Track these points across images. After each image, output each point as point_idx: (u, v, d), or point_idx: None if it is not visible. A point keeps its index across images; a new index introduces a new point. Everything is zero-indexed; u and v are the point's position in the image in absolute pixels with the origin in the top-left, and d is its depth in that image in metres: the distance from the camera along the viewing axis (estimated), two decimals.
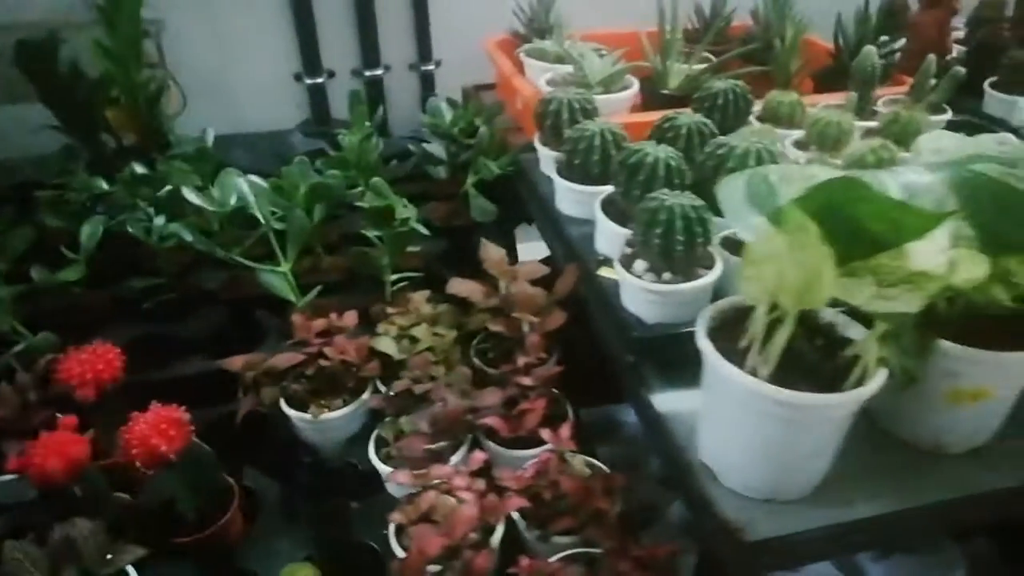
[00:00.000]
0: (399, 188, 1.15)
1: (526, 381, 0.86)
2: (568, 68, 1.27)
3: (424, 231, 1.13)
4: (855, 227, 0.52)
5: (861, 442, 0.71)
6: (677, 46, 1.31)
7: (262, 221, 1.07)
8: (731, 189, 0.67)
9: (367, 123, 1.23)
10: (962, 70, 1.22)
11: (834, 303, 0.59)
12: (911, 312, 0.54)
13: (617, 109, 1.22)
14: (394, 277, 1.12)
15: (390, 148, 1.40)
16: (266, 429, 1.01)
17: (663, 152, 0.88)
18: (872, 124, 1.15)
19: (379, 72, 1.67)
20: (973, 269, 0.53)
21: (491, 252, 0.96)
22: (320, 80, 1.65)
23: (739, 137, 0.92)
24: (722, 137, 0.93)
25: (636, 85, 1.25)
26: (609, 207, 0.92)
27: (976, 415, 0.71)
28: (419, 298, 1.00)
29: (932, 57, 1.24)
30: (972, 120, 1.34)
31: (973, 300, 0.58)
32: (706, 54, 1.49)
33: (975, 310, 0.61)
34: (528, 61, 1.34)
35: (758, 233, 0.60)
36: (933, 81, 1.22)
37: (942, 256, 0.50)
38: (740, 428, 0.64)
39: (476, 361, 1.00)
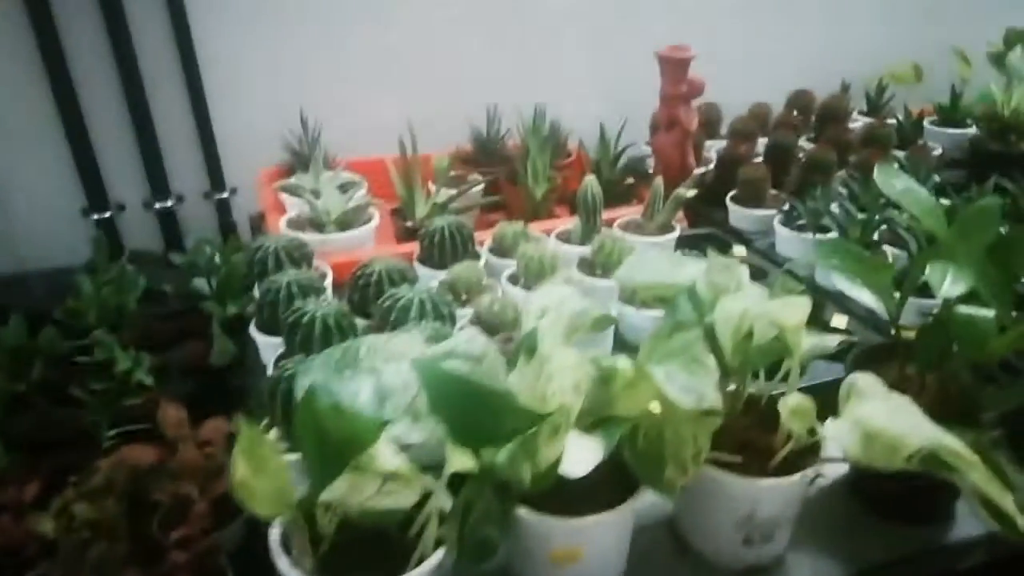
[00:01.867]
0: (160, 327, 1.14)
1: (179, 557, 0.83)
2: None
3: (148, 381, 1.12)
4: (325, 437, 0.52)
5: None
6: (423, 174, 1.35)
7: None
8: (319, 365, 0.68)
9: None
10: (685, 193, 1.29)
11: None
12: (405, 508, 0.54)
13: (358, 245, 1.25)
14: (112, 432, 1.09)
15: (175, 279, 1.39)
16: None
17: (324, 310, 0.89)
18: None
19: (169, 203, 1.67)
20: (460, 463, 0.54)
21: (169, 412, 0.95)
22: (107, 214, 1.64)
23: (410, 288, 0.94)
24: (395, 288, 0.95)
25: (376, 220, 1.28)
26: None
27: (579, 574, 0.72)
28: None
29: (659, 180, 1.30)
30: (716, 233, 1.40)
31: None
32: (477, 175, 1.55)
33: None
34: (284, 197, 1.36)
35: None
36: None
37: (396, 459, 0.51)
38: None
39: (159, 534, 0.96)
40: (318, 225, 1.24)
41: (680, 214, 1.47)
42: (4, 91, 1.48)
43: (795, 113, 1.75)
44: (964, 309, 0.68)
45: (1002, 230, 0.76)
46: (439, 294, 0.94)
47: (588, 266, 1.16)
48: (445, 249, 1.14)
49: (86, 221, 1.64)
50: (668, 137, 1.44)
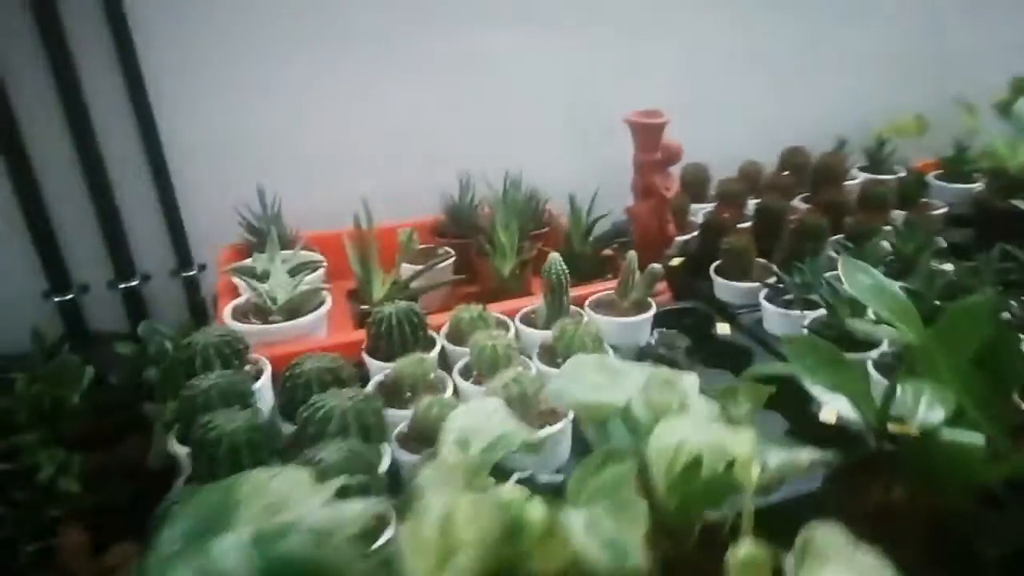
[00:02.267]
0: (104, 423, 1.06)
1: None
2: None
3: (74, 488, 1.03)
4: None
5: None
6: (378, 252, 1.27)
7: None
8: (187, 517, 0.58)
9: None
10: (658, 267, 1.19)
11: None
12: None
13: (306, 334, 1.16)
14: (31, 549, 1.00)
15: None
16: None
17: (233, 425, 0.80)
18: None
19: (135, 283, 1.60)
20: None
21: (70, 539, 0.86)
22: (69, 296, 1.58)
23: (337, 393, 0.84)
24: (320, 395, 0.85)
25: (327, 305, 1.19)
26: None
27: None
28: None
29: (632, 254, 1.21)
30: (699, 308, 1.30)
31: None
32: (448, 248, 1.47)
33: None
34: (236, 280, 1.29)
35: None
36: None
37: None
38: None
39: None
40: (263, 313, 1.16)
41: (664, 285, 1.37)
42: None
43: (787, 173, 1.66)
44: (949, 433, 0.57)
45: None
46: (369, 400, 0.85)
47: (549, 354, 1.07)
48: (394, 338, 1.05)
49: (49, 304, 1.58)
50: (645, 205, 1.35)
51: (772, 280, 1.24)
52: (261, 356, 1.06)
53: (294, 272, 1.27)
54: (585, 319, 1.15)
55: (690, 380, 0.67)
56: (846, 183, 1.70)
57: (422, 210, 1.59)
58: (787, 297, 1.18)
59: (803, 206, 1.56)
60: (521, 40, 1.65)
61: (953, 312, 0.62)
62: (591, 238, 1.39)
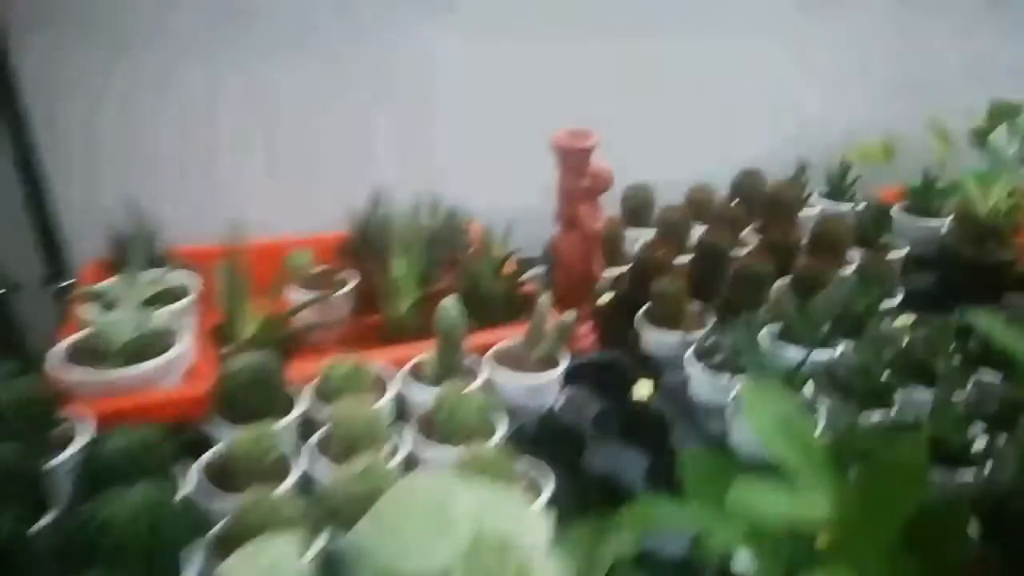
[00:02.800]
0: None
1: None
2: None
3: None
4: None
5: None
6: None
7: None
8: None
9: None
10: (572, 317, 1.03)
11: None
12: None
13: (152, 383, 0.98)
14: None
15: None
16: None
17: None
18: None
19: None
20: None
21: None
22: None
23: (130, 492, 0.67)
24: (115, 491, 0.68)
25: (177, 348, 1.01)
26: None
27: None
28: None
29: (544, 299, 1.05)
30: (620, 361, 1.14)
31: None
32: (345, 275, 1.29)
33: None
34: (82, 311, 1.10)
35: None
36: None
37: None
38: None
39: None
40: (99, 356, 0.97)
41: (587, 328, 1.21)
42: None
43: (737, 201, 1.49)
44: None
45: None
46: (166, 503, 0.68)
47: (427, 427, 0.90)
48: (238, 400, 0.88)
49: None
50: (568, 238, 1.18)
51: (701, 334, 1.08)
52: (86, 414, 0.88)
53: (153, 300, 1.10)
54: (478, 379, 0.99)
55: (536, 534, 0.51)
56: (806, 210, 1.55)
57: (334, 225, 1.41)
58: (717, 358, 1.03)
59: (754, 240, 1.41)
60: (466, 42, 1.47)
61: (877, 471, 0.46)
62: (519, 273, 1.22)
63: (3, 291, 1.28)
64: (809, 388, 0.95)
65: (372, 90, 1.46)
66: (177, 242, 1.31)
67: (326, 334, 1.20)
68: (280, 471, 0.81)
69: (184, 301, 1.12)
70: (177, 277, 1.19)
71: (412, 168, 1.44)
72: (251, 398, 0.89)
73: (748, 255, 1.23)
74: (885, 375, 0.96)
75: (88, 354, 0.98)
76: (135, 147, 1.38)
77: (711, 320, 1.16)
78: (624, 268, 1.31)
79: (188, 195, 1.42)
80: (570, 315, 1.03)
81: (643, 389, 1.07)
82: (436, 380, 0.99)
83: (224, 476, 0.81)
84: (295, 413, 0.91)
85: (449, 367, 0.99)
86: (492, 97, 1.51)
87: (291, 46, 1.39)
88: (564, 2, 1.53)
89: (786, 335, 1.08)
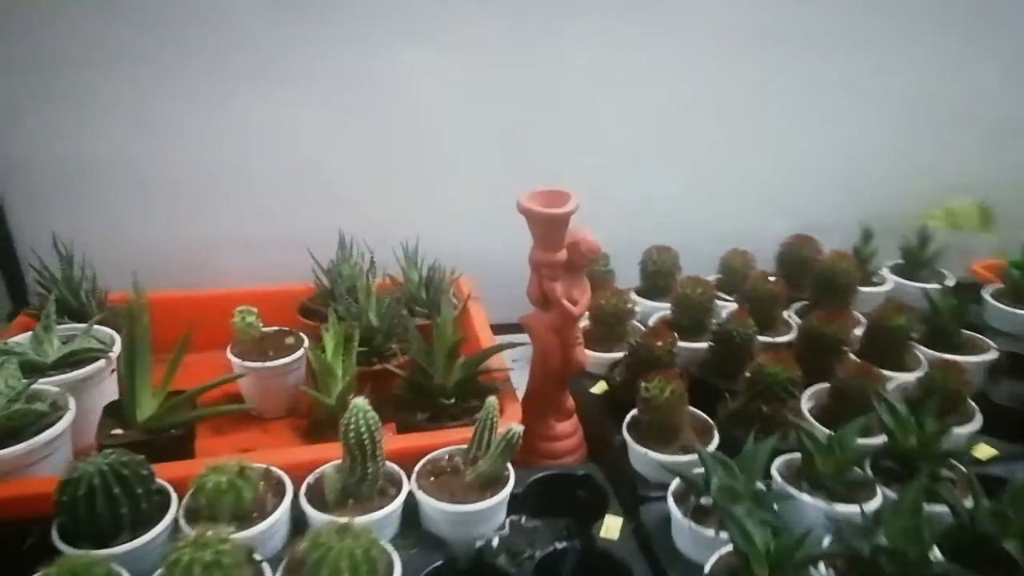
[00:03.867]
0: None
1: None
2: None
3: None
4: None
5: None
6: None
7: None
8: None
9: None
10: (518, 429, 0.81)
11: None
12: None
13: (24, 468, 0.83)
14: None
15: None
16: None
17: None
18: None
19: None
20: None
21: None
22: None
23: None
24: None
25: (58, 427, 0.85)
26: None
27: None
28: None
29: (492, 400, 0.84)
30: (593, 478, 0.91)
31: None
32: (300, 336, 1.12)
33: None
34: None
35: None
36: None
37: None
38: None
39: None
40: None
41: (566, 427, 0.99)
42: None
43: (773, 278, 1.23)
44: None
45: None
46: None
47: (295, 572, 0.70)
48: (78, 514, 0.71)
49: None
50: (541, 319, 0.96)
51: (690, 462, 0.83)
52: None
53: (61, 363, 0.95)
54: (388, 504, 0.78)
55: None
56: (870, 289, 1.27)
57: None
58: (704, 500, 0.78)
59: (791, 327, 1.14)
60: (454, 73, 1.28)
61: None
62: (484, 355, 1.01)
63: None
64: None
65: (359, 122, 1.29)
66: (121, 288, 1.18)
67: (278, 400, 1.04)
68: None
69: (99, 364, 0.97)
70: (100, 333, 1.05)
71: (388, 212, 1.27)
72: (93, 513, 0.71)
73: (772, 351, 0.97)
74: (934, 564, 0.69)
75: None
76: (94, 181, 1.27)
77: (714, 438, 0.91)
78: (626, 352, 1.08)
79: (148, 237, 1.29)
80: (515, 427, 0.81)
81: (611, 525, 0.84)
82: (336, 501, 0.79)
83: None
84: (143, 538, 0.73)
85: (357, 485, 0.79)
86: (496, 135, 1.32)
87: (283, 76, 1.24)
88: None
89: (804, 474, 0.82)
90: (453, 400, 0.95)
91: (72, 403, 0.90)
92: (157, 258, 1.25)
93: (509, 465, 0.84)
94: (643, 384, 0.90)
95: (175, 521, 0.76)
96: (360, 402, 0.78)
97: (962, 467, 0.82)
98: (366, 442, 0.78)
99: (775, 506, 0.78)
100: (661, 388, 0.89)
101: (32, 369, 0.95)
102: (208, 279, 1.29)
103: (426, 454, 0.86)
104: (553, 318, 0.95)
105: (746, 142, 1.42)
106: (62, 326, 1.05)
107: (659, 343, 0.98)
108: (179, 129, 1.24)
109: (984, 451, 0.91)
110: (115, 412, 0.92)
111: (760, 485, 0.80)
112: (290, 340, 1.11)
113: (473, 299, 1.22)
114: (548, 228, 0.90)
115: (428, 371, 0.95)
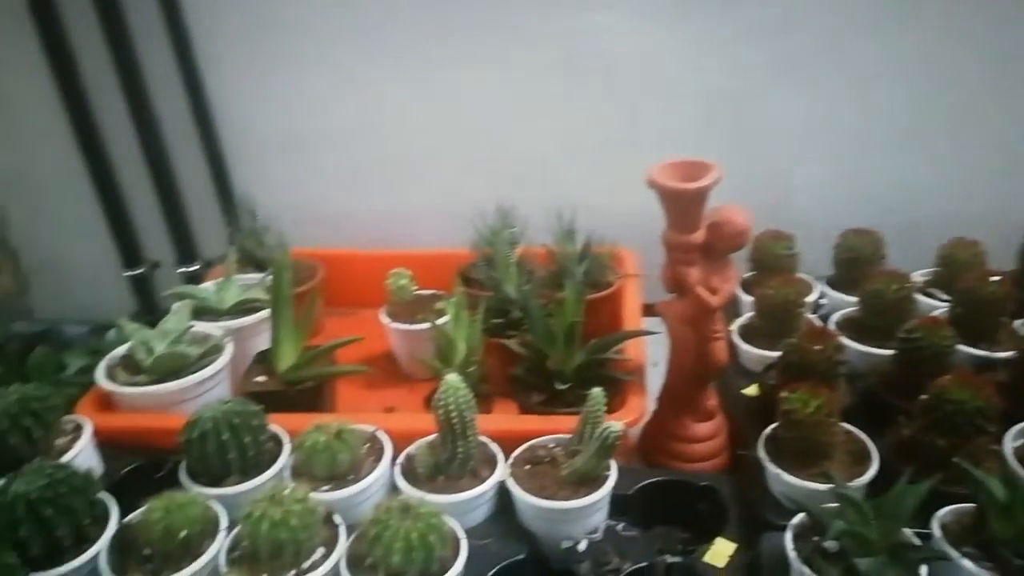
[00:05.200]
0: None
1: None
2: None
3: None
4: None
5: None
6: None
7: None
8: None
9: None
10: (617, 426, 0.73)
11: None
12: None
13: (175, 403, 0.92)
14: None
15: None
16: None
17: None
18: None
19: (196, 267, 1.52)
20: None
21: None
22: (140, 271, 1.54)
23: None
24: None
25: (216, 367, 0.93)
26: None
27: None
28: None
29: (597, 391, 0.76)
30: (716, 491, 0.80)
31: None
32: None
33: None
34: None
35: None
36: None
37: None
38: None
39: None
40: (134, 367, 0.94)
41: (706, 430, 0.89)
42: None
43: (1010, 276, 0.98)
44: None
45: None
46: None
47: (358, 558, 0.69)
48: (211, 461, 0.77)
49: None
50: (675, 308, 0.85)
51: (824, 492, 0.69)
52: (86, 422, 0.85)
53: (234, 309, 1.05)
54: (479, 486, 0.75)
55: None
56: None
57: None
58: (829, 544, 0.64)
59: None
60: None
61: None
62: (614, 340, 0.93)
63: (141, 270, 1.35)
64: None
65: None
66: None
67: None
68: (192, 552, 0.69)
69: (252, 316, 1.05)
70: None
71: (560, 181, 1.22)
72: (205, 455, 0.77)
73: (967, 371, 0.77)
74: None
75: (126, 366, 0.96)
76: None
77: (870, 469, 0.75)
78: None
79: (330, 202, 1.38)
80: (614, 425, 0.73)
81: (721, 550, 0.73)
82: (427, 476, 0.78)
83: (127, 552, 0.71)
84: (248, 484, 0.77)
85: (448, 463, 0.77)
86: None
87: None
88: None
89: (975, 534, 0.64)
90: (570, 385, 0.88)
91: (230, 347, 0.98)
92: (342, 222, 1.34)
93: (613, 464, 0.76)
94: (783, 394, 0.77)
95: (282, 471, 0.80)
96: (452, 378, 0.75)
97: None
98: (455, 421, 0.75)
99: (924, 568, 0.62)
100: (804, 401, 0.75)
101: (208, 313, 1.06)
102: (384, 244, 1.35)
103: (530, 440, 0.82)
104: (687, 307, 0.84)
105: (990, 101, 1.14)
106: (246, 275, 1.17)
107: (817, 347, 0.82)
108: (380, 98, 1.29)
109: None
110: (263, 361, 1.00)
111: (909, 537, 0.64)
112: (442, 305, 1.12)
113: (634, 276, 1.14)
114: (678, 204, 0.79)
115: (543, 352, 0.89)
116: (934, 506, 0.67)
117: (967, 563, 0.61)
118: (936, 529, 0.65)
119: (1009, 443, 0.76)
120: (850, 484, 0.71)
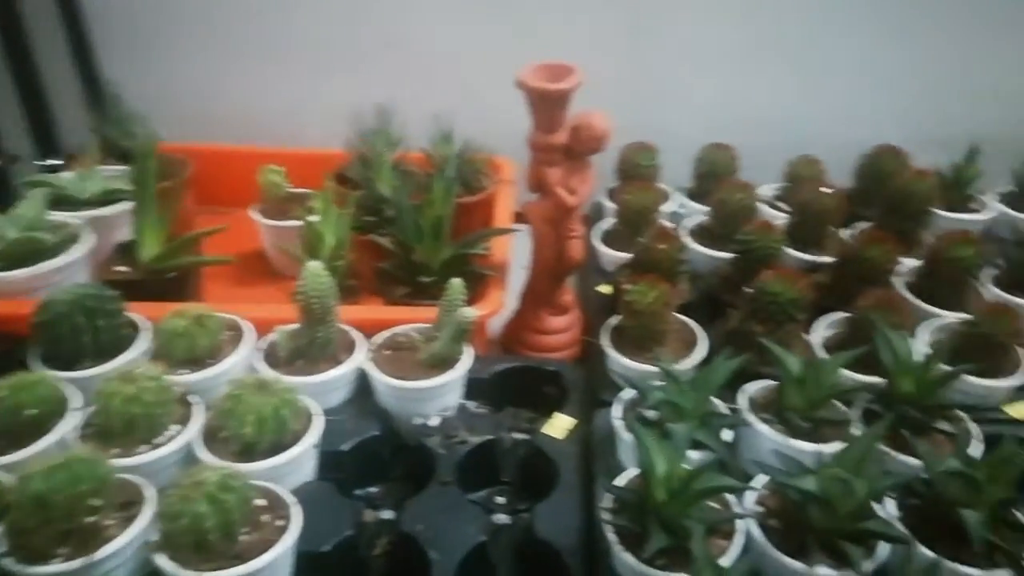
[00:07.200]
0: None
1: None
2: None
3: None
4: None
5: None
6: None
7: None
8: None
9: None
10: (472, 313, 0.77)
11: None
12: None
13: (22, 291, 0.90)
14: None
15: None
16: None
17: None
18: None
19: (59, 162, 1.44)
20: None
21: None
22: None
23: None
24: None
25: (72, 254, 0.91)
26: None
27: None
28: None
29: (455, 282, 0.80)
30: (563, 373, 0.87)
31: None
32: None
33: None
34: None
35: None
36: None
37: None
38: None
39: None
40: None
41: (562, 323, 0.95)
42: None
43: (843, 190, 1.07)
44: None
45: None
46: None
47: (213, 427, 0.72)
48: (64, 344, 0.76)
49: None
50: (537, 208, 0.90)
51: (654, 372, 0.76)
52: None
53: (95, 200, 1.02)
54: (337, 368, 0.78)
55: None
56: (960, 215, 1.09)
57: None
58: (650, 414, 0.72)
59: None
60: None
61: None
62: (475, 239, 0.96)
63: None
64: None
65: None
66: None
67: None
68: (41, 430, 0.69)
69: (113, 207, 1.02)
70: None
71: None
72: (57, 338, 0.77)
73: (784, 268, 0.85)
74: (869, 520, 0.60)
75: None
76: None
77: (696, 353, 0.83)
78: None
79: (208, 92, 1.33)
80: (468, 312, 0.77)
81: (559, 424, 0.80)
82: (286, 360, 0.80)
83: None
84: (101, 367, 0.77)
85: (308, 347, 0.80)
86: None
87: None
88: None
89: (774, 405, 0.73)
90: (435, 279, 0.92)
91: (90, 237, 0.96)
92: (217, 113, 1.29)
93: (468, 348, 0.81)
94: (626, 286, 0.83)
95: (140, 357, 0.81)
96: (313, 265, 0.77)
97: (972, 422, 0.70)
98: (315, 306, 0.78)
99: (728, 432, 0.71)
100: (643, 293, 0.81)
101: (68, 203, 1.03)
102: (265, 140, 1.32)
103: (391, 328, 0.86)
104: (548, 207, 0.89)
105: (846, 27, 1.22)
106: (112, 167, 1.13)
107: (661, 246, 0.89)
108: None
109: (1020, 410, 0.76)
110: (126, 252, 0.98)
111: (718, 407, 0.73)
112: (314, 203, 1.12)
113: (508, 182, 1.17)
114: (542, 105, 0.82)
115: (410, 247, 0.92)
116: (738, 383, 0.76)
117: (763, 427, 0.70)
118: (743, 400, 0.74)
119: (820, 331, 0.86)
120: (677, 366, 0.78)
